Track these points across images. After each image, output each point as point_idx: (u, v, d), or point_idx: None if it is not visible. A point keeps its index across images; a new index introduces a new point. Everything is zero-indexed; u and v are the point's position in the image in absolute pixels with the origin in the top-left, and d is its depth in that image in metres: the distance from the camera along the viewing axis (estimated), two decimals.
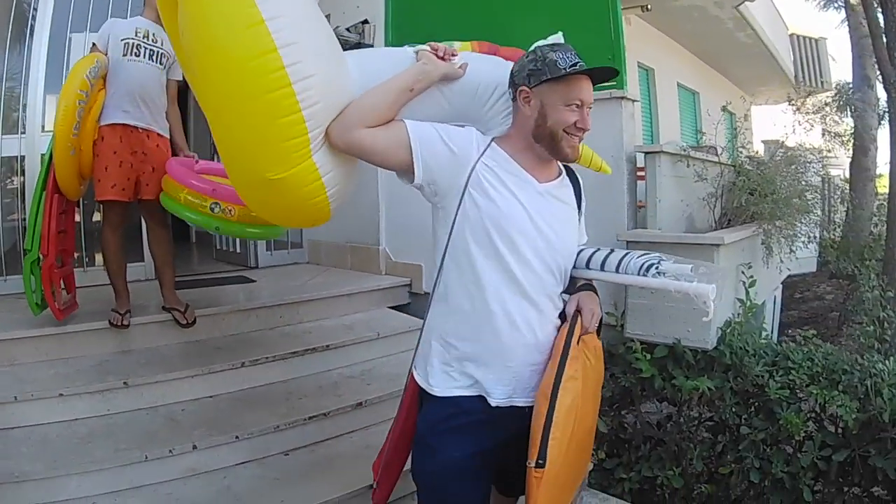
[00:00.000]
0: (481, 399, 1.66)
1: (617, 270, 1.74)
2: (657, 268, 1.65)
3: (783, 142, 5.45)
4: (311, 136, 1.58)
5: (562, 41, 1.78)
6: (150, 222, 3.36)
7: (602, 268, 1.77)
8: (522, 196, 1.64)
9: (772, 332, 5.76)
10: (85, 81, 2.99)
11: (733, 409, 3.21)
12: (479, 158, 1.63)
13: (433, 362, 1.72)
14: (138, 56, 3.20)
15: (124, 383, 2.82)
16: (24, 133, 4.14)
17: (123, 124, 3.15)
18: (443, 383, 1.69)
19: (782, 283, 6.51)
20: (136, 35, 3.20)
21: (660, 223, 3.68)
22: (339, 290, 4.08)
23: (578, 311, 1.70)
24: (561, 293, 1.75)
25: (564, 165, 1.81)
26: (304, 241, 5.58)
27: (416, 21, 2.44)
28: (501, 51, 1.97)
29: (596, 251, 1.81)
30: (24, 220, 4.18)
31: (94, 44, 3.27)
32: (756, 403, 3.21)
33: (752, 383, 3.17)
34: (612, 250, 1.79)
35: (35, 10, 4.18)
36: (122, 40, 3.17)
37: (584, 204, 1.85)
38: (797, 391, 3.08)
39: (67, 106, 2.93)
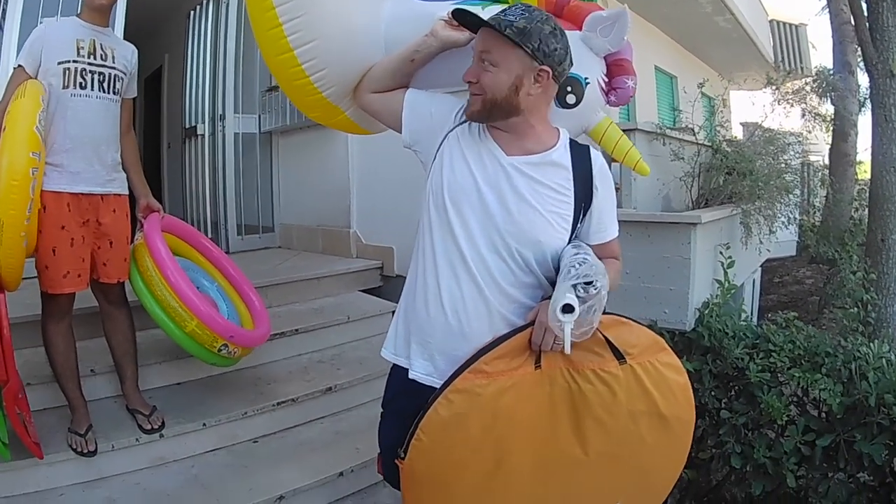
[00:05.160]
0: (404, 370, 1.62)
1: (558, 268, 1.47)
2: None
3: (762, 122, 5.42)
4: (327, 96, 1.79)
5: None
6: (107, 305, 2.59)
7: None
8: (477, 167, 1.51)
9: (751, 316, 5.75)
10: (36, 138, 2.06)
11: (713, 393, 3.17)
12: (453, 128, 1.58)
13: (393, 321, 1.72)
14: (85, 87, 2.35)
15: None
16: None
17: (71, 193, 2.34)
18: (388, 343, 1.69)
19: (761, 267, 6.50)
20: (78, 54, 2.32)
21: (635, 202, 3.62)
22: (309, 274, 3.95)
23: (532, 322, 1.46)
24: (542, 294, 1.54)
25: (577, 145, 1.57)
26: (275, 226, 5.44)
27: None
28: (572, 5, 1.74)
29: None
30: None
31: (20, 65, 2.31)
32: (736, 387, 3.17)
33: (732, 366, 3.13)
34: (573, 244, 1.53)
35: None
36: (59, 64, 2.30)
37: (598, 192, 1.55)
38: (778, 374, 3.05)
39: (16, 179, 1.99)
